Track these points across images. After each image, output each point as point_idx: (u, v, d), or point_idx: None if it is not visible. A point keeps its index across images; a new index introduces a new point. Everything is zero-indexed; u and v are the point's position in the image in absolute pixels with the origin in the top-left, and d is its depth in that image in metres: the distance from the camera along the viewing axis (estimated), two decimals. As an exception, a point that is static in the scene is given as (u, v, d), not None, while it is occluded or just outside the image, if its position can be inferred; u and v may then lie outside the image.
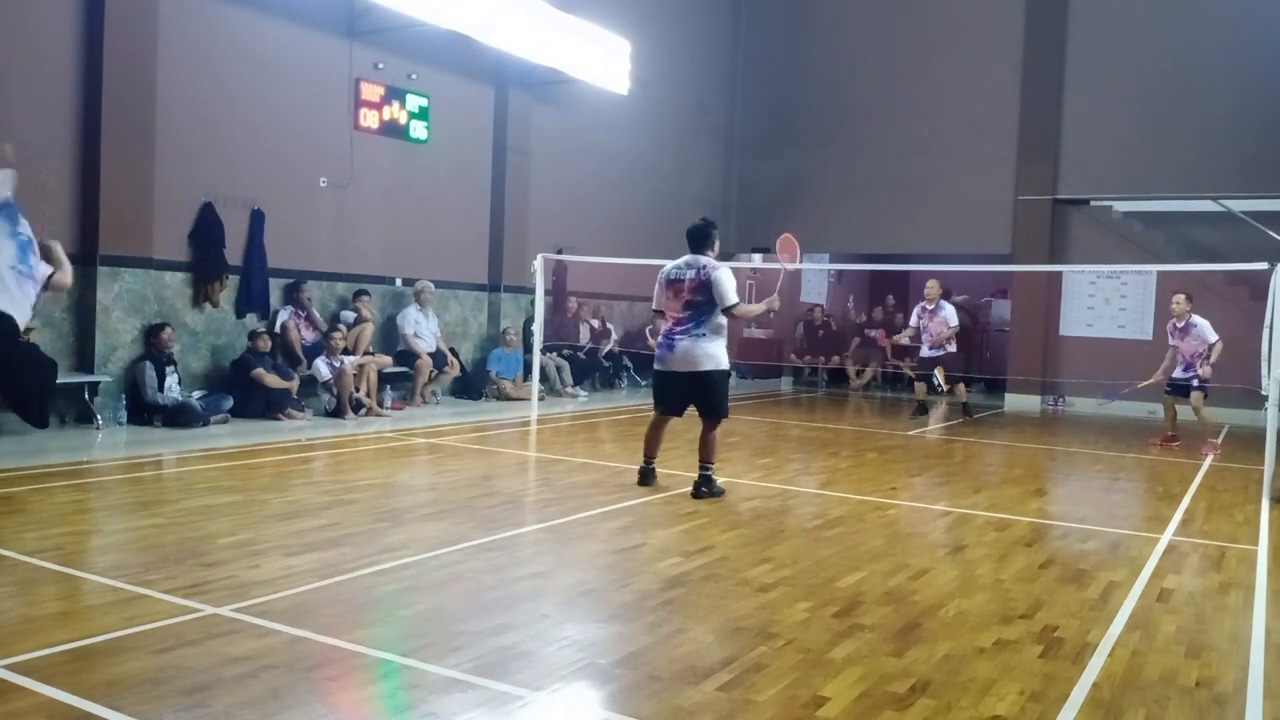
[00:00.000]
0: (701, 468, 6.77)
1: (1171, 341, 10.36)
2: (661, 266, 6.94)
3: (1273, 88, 14.02)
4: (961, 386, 12.71)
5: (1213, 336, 9.95)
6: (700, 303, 6.60)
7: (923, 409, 12.86)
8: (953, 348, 12.41)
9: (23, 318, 5.32)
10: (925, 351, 12.53)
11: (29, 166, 8.54)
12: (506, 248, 13.33)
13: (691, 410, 6.93)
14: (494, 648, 3.59)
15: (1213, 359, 9.92)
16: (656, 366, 6.94)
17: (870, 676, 3.47)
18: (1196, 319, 10.13)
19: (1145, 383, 10.74)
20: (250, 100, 10.14)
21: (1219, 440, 10.14)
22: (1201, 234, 14.67)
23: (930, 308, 12.40)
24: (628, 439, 9.68)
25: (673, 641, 3.76)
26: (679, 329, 6.69)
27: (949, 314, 12.39)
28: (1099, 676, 3.58)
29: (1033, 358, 15.45)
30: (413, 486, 7.05)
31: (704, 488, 6.70)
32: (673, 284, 6.75)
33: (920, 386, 12.78)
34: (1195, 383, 10.03)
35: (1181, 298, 10.25)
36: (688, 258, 6.77)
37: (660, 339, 6.88)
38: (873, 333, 17.70)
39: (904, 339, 13.10)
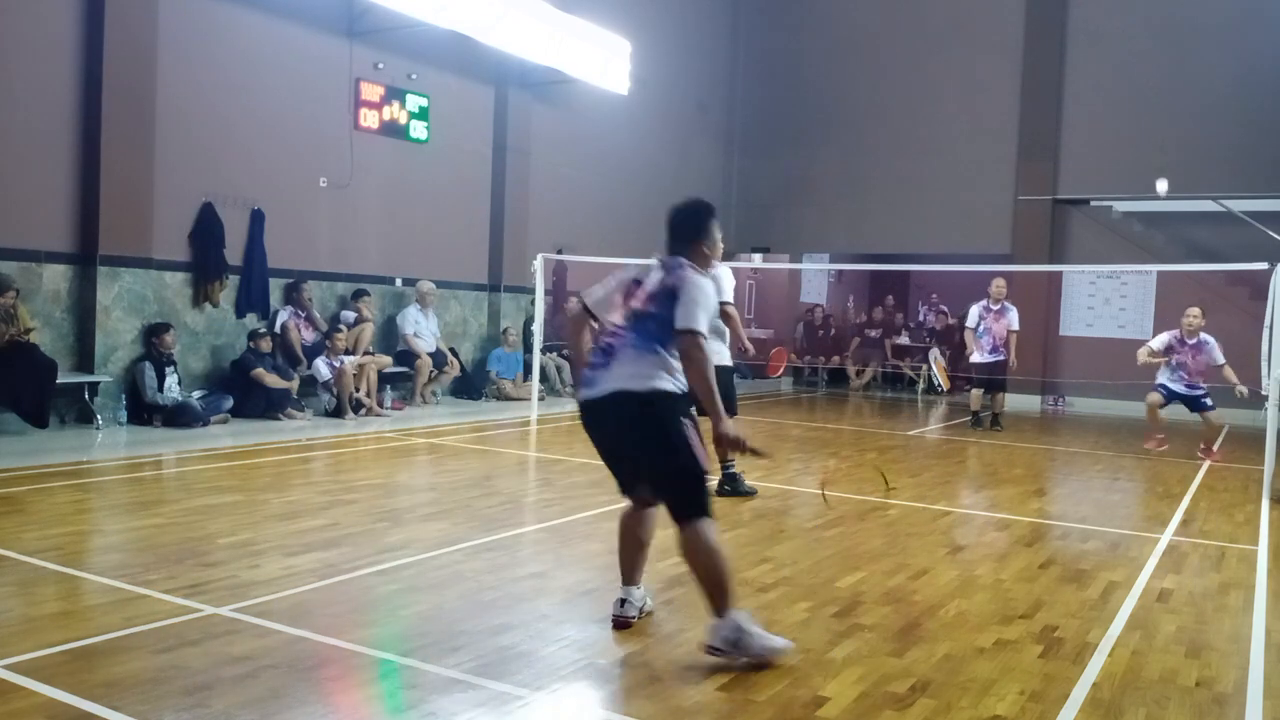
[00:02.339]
0: (722, 466, 6.83)
1: (1177, 355, 9.63)
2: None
3: (1273, 88, 14.02)
4: (1001, 396, 11.91)
5: (1221, 359, 9.50)
6: None
7: (977, 420, 11.80)
8: (1005, 354, 11.47)
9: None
10: (984, 357, 11.46)
11: (33, 166, 8.59)
12: (506, 248, 13.33)
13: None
14: (494, 648, 3.59)
15: (1235, 379, 9.24)
16: None
17: (870, 676, 3.47)
18: (1207, 337, 9.55)
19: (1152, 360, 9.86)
20: (250, 100, 10.14)
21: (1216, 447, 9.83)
22: (1201, 234, 14.68)
23: (995, 308, 11.47)
24: (628, 439, 9.68)
25: (673, 641, 3.76)
26: None
27: (1014, 317, 11.50)
28: (1099, 676, 3.58)
29: (1033, 358, 15.46)
30: (413, 486, 7.05)
31: (727, 485, 6.78)
32: None
33: (976, 394, 11.78)
34: (1209, 401, 9.56)
35: (1198, 311, 9.58)
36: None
37: None
38: (873, 333, 17.71)
39: (970, 345, 11.71)
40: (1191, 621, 4.32)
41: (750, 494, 6.77)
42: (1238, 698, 3.46)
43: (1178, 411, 9.97)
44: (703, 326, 3.55)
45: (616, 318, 3.81)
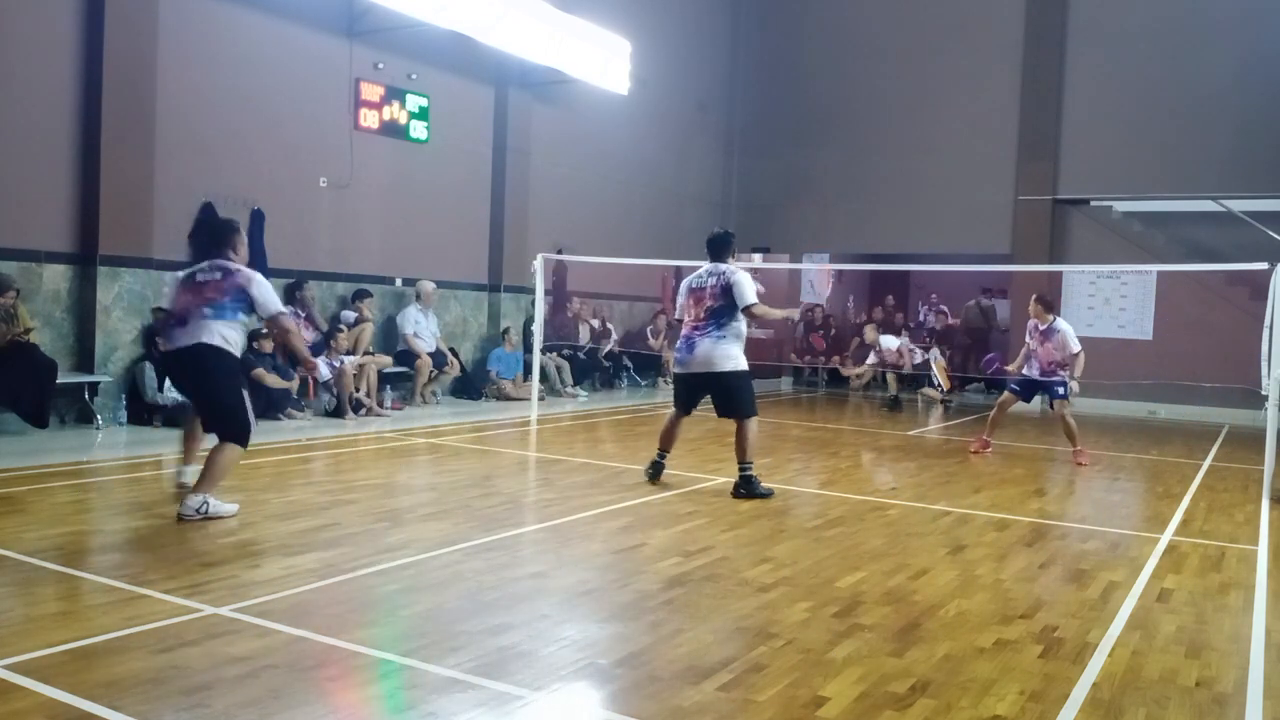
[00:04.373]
0: (740, 468, 6.81)
1: (1030, 343, 9.20)
2: (661, 266, 7.08)
3: (1272, 88, 14.02)
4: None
5: (1076, 346, 8.95)
6: (722, 307, 6.78)
7: (896, 403, 13.30)
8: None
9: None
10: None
11: (33, 166, 8.59)
12: (506, 248, 13.33)
13: (706, 410, 7.12)
14: (494, 648, 3.59)
15: (1077, 373, 8.93)
16: (676, 370, 7.15)
17: (870, 676, 3.47)
18: (1060, 324, 9.05)
19: (1011, 367, 9.64)
20: (250, 100, 10.13)
21: (1084, 450, 9.15)
22: (1201, 234, 14.68)
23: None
24: (628, 439, 9.68)
25: (673, 641, 3.76)
26: (699, 331, 6.86)
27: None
28: (1099, 676, 3.58)
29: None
30: (413, 486, 7.05)
31: (743, 489, 6.74)
32: (695, 291, 6.96)
33: (932, 393, 12.68)
34: (1060, 390, 8.97)
35: (1034, 299, 9.15)
36: (709, 266, 6.98)
37: (679, 342, 7.09)
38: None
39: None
40: (1191, 621, 4.32)
41: (767, 495, 6.74)
42: (1238, 698, 3.46)
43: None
44: None
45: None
